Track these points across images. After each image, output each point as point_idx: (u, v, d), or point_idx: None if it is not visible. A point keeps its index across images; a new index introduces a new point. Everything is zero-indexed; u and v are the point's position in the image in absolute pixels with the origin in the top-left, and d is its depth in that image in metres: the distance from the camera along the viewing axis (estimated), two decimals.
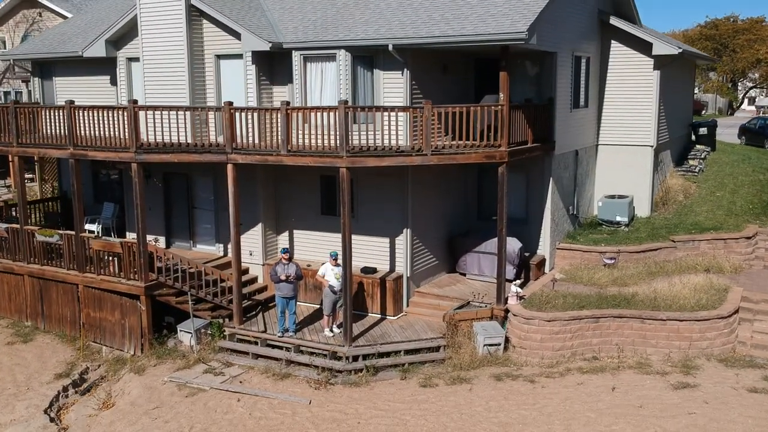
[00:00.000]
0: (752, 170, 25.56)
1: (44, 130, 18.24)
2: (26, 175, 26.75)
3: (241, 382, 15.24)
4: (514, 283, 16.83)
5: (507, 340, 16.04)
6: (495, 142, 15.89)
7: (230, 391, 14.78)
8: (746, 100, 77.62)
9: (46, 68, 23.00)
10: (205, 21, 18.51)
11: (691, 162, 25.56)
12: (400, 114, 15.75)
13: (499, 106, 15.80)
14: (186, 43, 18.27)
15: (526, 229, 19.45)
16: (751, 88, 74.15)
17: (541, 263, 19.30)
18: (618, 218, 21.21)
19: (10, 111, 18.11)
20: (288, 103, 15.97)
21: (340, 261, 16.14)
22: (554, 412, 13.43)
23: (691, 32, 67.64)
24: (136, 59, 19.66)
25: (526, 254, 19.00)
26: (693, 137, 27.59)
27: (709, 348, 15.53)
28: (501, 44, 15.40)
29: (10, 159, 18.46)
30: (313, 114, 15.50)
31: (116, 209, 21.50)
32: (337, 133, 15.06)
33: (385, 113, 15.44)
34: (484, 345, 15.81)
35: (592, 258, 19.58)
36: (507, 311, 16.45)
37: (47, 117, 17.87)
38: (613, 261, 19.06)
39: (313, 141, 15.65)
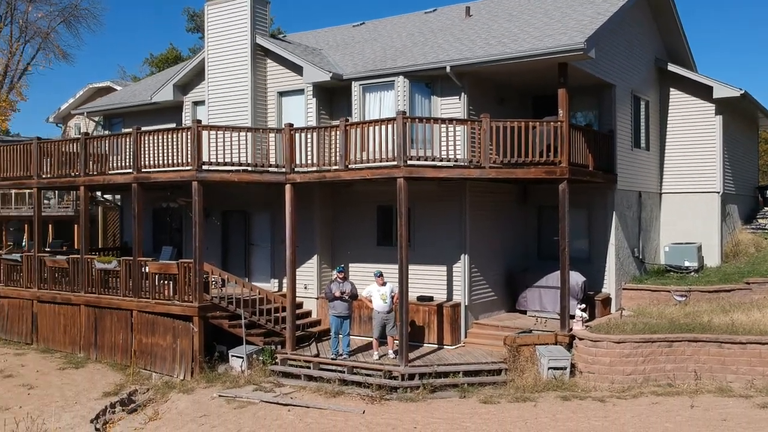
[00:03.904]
0: None
1: (111, 164, 18.75)
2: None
3: (292, 398, 14.57)
4: (579, 307, 16.00)
5: (573, 366, 15.05)
6: (555, 159, 15.61)
7: (280, 404, 14.11)
8: None
9: (115, 122, 24.07)
10: (269, 60, 19.24)
11: (761, 221, 24.68)
12: (458, 127, 15.69)
13: (559, 123, 15.62)
14: (250, 82, 18.93)
15: (590, 267, 18.67)
16: None
17: (607, 301, 18.40)
18: (686, 263, 20.29)
19: (81, 142, 18.77)
20: (347, 119, 16.15)
21: (386, 279, 15.69)
22: (628, 422, 12.33)
23: None
24: (202, 103, 20.42)
25: (590, 292, 18.17)
26: (761, 200, 26.75)
27: None
28: (560, 58, 15.42)
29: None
30: (371, 127, 15.57)
31: (174, 253, 21.61)
32: (395, 143, 15.05)
33: (443, 125, 15.40)
34: (549, 368, 14.85)
35: (661, 297, 18.58)
36: (572, 338, 15.54)
37: (115, 145, 18.41)
38: (684, 298, 18.03)
39: (371, 156, 15.66)
